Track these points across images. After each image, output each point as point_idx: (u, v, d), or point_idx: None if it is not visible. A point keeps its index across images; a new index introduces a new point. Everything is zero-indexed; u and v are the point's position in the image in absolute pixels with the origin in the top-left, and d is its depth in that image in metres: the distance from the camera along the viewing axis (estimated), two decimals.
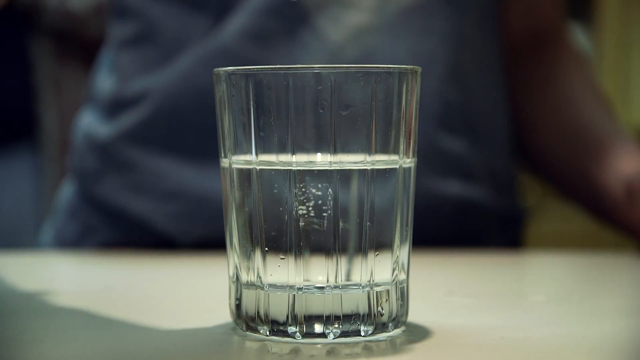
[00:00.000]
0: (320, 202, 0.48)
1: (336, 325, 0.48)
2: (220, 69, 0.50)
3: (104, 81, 0.91)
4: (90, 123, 0.90)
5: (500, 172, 0.90)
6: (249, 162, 0.49)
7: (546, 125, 0.94)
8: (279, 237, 0.48)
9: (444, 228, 0.85)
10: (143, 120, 0.86)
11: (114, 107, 0.88)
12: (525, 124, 0.95)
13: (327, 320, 0.48)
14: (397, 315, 0.50)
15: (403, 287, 0.50)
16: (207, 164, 0.84)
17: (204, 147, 0.84)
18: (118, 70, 0.89)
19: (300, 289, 0.48)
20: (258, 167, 0.48)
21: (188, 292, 0.65)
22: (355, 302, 0.48)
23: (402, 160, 0.49)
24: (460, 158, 0.86)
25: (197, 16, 0.86)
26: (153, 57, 0.87)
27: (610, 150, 0.89)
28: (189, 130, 0.85)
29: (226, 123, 0.50)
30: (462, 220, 0.86)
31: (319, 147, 0.48)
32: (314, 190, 0.48)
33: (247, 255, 0.49)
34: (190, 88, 0.85)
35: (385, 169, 0.49)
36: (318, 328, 0.48)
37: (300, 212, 0.48)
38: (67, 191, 0.92)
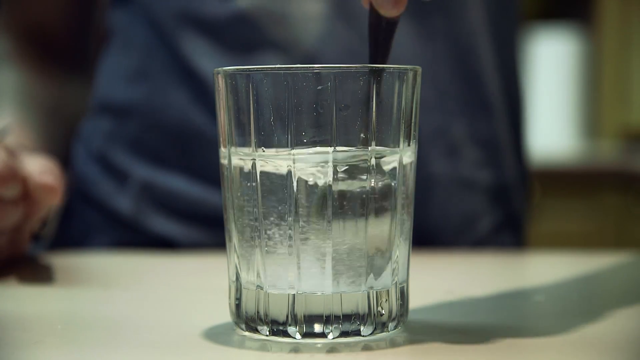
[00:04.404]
0: (320, 201, 0.48)
1: (336, 325, 0.48)
2: (220, 68, 0.50)
3: (100, 84, 0.91)
4: (86, 128, 0.91)
5: (493, 142, 0.90)
6: (248, 162, 0.49)
7: None
8: (278, 236, 0.48)
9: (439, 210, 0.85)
10: (130, 133, 0.86)
11: (103, 113, 0.89)
12: None
13: (327, 320, 0.48)
14: (397, 315, 0.50)
15: (403, 287, 0.50)
16: (198, 175, 0.84)
17: (193, 159, 0.84)
18: (103, 73, 0.90)
19: (300, 289, 0.48)
20: (258, 167, 0.48)
21: (188, 292, 0.65)
22: (355, 302, 0.48)
23: (402, 159, 0.49)
24: (447, 132, 0.86)
25: (159, 31, 0.86)
26: (129, 66, 0.88)
27: None
28: (176, 145, 0.85)
29: (226, 123, 0.50)
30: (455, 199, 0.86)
31: (318, 147, 0.48)
32: (314, 190, 0.48)
33: (247, 255, 0.49)
34: (171, 104, 0.85)
35: (385, 169, 0.49)
36: (318, 328, 0.48)
37: (300, 211, 0.48)
38: (66, 192, 0.93)
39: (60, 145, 0.93)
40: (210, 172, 0.82)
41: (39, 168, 0.69)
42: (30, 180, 0.68)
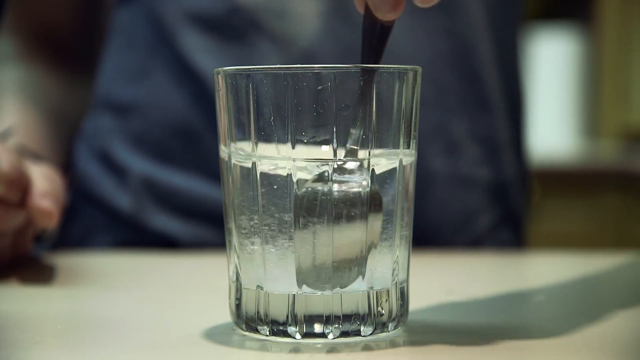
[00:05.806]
0: (320, 201, 0.48)
1: (336, 325, 0.48)
2: (220, 68, 0.50)
3: (102, 82, 0.91)
4: (88, 126, 0.91)
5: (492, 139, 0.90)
6: (249, 162, 0.49)
7: None
8: (279, 236, 0.48)
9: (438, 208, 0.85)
10: (131, 130, 0.86)
11: (105, 110, 0.89)
12: None
13: (327, 320, 0.48)
14: (397, 315, 0.50)
15: (403, 287, 0.50)
16: (199, 171, 0.84)
17: (194, 156, 0.84)
18: (105, 72, 0.90)
19: (300, 289, 0.48)
20: (258, 167, 0.48)
21: (188, 292, 0.65)
22: (355, 302, 0.48)
23: (402, 160, 0.49)
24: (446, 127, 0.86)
25: (160, 29, 0.86)
26: (131, 64, 0.88)
27: None
28: (177, 141, 0.85)
29: (226, 122, 0.50)
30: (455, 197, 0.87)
31: (318, 147, 0.48)
32: (314, 190, 0.48)
33: (248, 255, 0.49)
34: (171, 101, 0.85)
35: (385, 169, 0.49)
36: (318, 328, 0.48)
37: (300, 211, 0.48)
38: (69, 192, 0.93)
39: (66, 144, 0.93)
40: (211, 168, 0.83)
41: (40, 188, 0.69)
42: (29, 200, 0.69)
